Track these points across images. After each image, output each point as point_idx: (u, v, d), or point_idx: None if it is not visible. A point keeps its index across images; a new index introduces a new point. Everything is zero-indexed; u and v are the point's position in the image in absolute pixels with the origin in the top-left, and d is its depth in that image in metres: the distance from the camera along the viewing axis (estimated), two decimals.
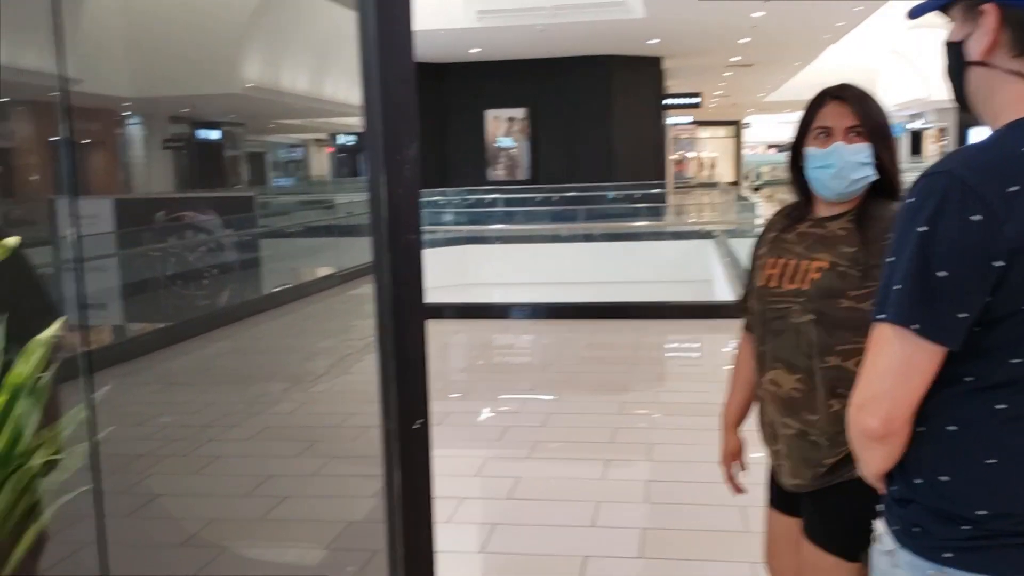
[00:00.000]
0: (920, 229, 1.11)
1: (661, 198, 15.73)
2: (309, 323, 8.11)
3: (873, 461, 1.24)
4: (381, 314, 2.30)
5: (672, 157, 22.41)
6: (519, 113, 15.22)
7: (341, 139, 33.49)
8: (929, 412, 1.19)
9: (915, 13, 1.28)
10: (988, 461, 1.16)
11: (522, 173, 15.48)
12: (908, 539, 1.22)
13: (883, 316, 1.15)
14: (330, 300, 9.07)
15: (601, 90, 14.98)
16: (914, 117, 37.34)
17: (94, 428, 1.52)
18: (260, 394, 5.16)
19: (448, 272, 9.95)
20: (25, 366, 1.49)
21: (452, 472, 4.22)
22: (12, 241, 1.37)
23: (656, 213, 14.65)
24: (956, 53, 1.22)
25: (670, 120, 20.80)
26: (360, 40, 2.17)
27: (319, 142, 33.12)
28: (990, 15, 1.15)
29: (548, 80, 14.77)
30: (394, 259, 2.26)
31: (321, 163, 34.68)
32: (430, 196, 13.76)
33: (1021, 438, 1.15)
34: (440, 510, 3.53)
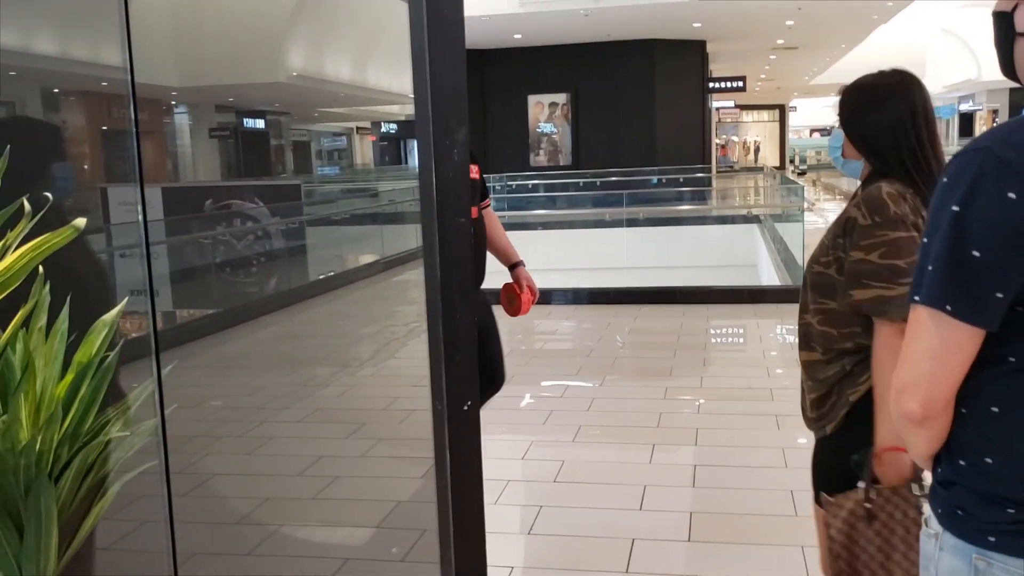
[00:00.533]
0: (954, 208, 1.09)
1: (705, 182, 15.60)
2: (355, 309, 8.19)
3: (918, 444, 1.23)
4: (431, 297, 2.33)
5: (716, 141, 22.18)
6: (561, 98, 15.18)
7: (384, 127, 33.67)
8: (972, 393, 1.18)
9: None
10: None
11: (564, 158, 15.45)
12: (952, 522, 1.21)
13: (917, 298, 1.14)
14: (375, 287, 9.15)
15: (644, 74, 14.88)
16: (964, 99, 36.54)
17: (162, 406, 1.56)
18: (309, 377, 5.24)
19: (490, 258, 9.94)
20: (90, 346, 1.53)
21: (498, 455, 4.25)
22: (80, 222, 1.41)
23: (700, 197, 14.53)
24: (1005, 23, 1.19)
25: (714, 104, 20.60)
26: (411, 26, 2.19)
27: (362, 130, 33.35)
28: None
29: (591, 65, 14.71)
30: (444, 242, 2.28)
31: (364, 151, 34.92)
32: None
33: None
34: (487, 492, 3.57)
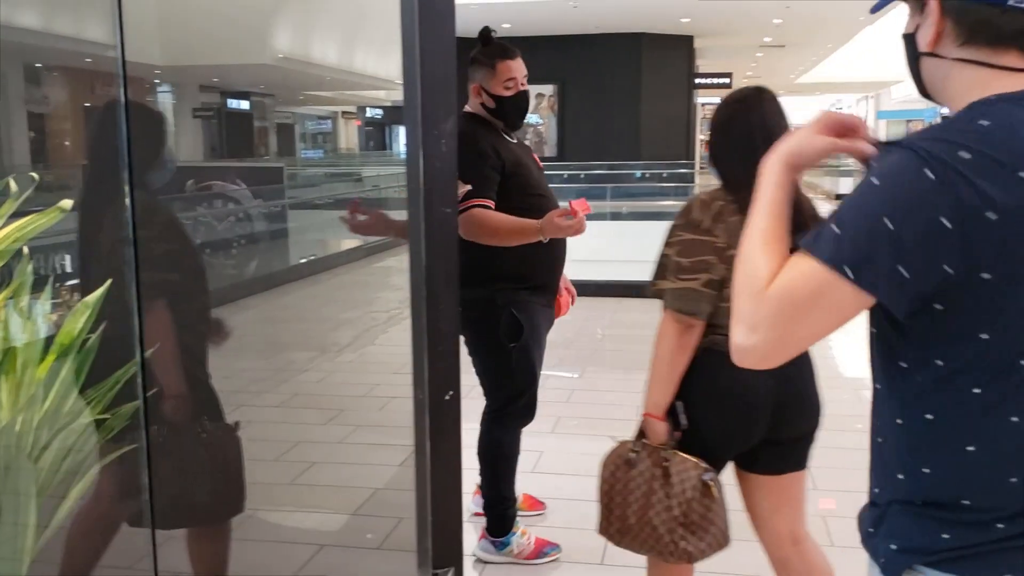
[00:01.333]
0: (873, 180, 1.10)
1: (689, 178, 15.63)
2: (336, 294, 8.17)
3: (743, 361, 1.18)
4: (415, 286, 2.33)
5: (701, 137, 22.25)
6: (548, 89, 15.16)
7: (369, 112, 33.46)
8: (905, 402, 1.18)
9: (875, 8, 1.32)
10: (968, 448, 1.14)
11: (550, 150, 15.43)
12: (893, 563, 1.21)
13: (809, 248, 1.11)
14: (357, 272, 9.12)
15: (631, 68, 14.87)
16: None
17: (144, 389, 1.55)
18: (288, 362, 5.23)
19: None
20: (72, 327, 1.53)
21: (476, 444, 4.26)
22: (66, 204, 1.41)
23: (684, 193, 14.56)
24: (911, 45, 1.24)
25: (700, 99, 20.62)
26: (402, 12, 2.19)
27: (347, 115, 33.14)
28: (933, 6, 1.17)
29: (578, 57, 14.68)
30: (429, 231, 2.28)
31: (349, 135, 34.70)
32: None
33: (998, 424, 1.13)
34: (465, 481, 3.57)
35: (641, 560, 2.40)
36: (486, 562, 3.14)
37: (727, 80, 19.23)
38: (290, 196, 11.54)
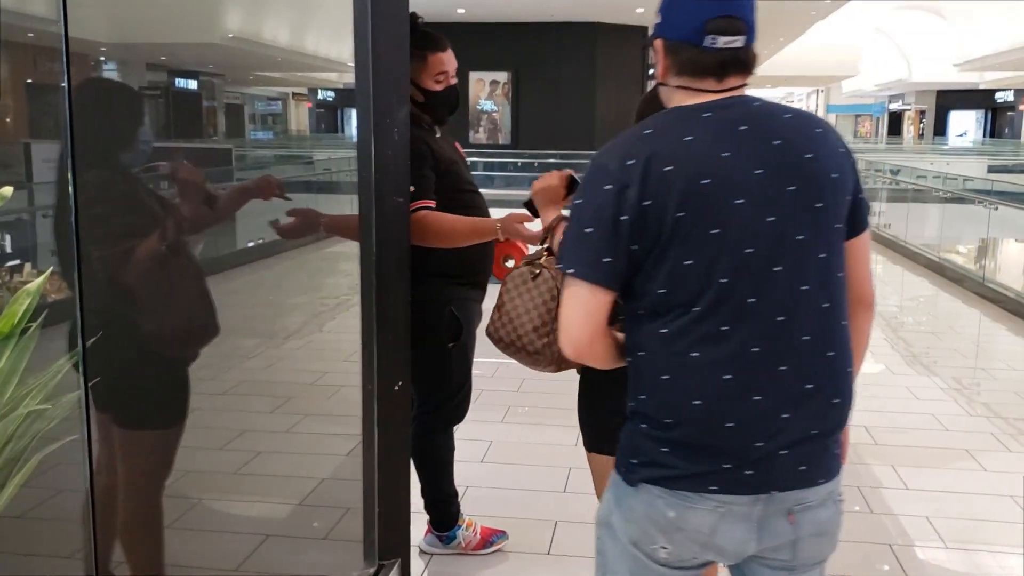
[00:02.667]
0: (577, 201, 1.52)
1: None
2: (284, 279, 8.07)
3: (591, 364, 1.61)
4: (365, 276, 2.31)
5: None
6: (502, 76, 15.11)
7: (321, 94, 33.08)
8: (631, 342, 1.55)
9: (646, 43, 1.73)
10: (663, 377, 1.48)
11: (504, 137, 15.40)
12: (627, 476, 1.55)
13: (559, 265, 1.53)
14: (305, 257, 9.01)
15: (585, 57, 14.89)
16: (895, 98, 37.46)
17: (86, 378, 1.52)
18: (234, 348, 5.15)
19: None
20: (12, 316, 1.49)
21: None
22: (7, 191, 1.37)
23: None
24: (653, 76, 1.63)
25: None
26: (355, 3, 2.16)
27: (298, 96, 32.73)
28: (659, 47, 1.57)
29: (533, 44, 14.66)
30: (380, 220, 2.27)
31: (300, 117, 34.28)
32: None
33: (681, 357, 1.46)
34: (413, 472, 3.56)
35: (588, 549, 2.41)
36: (431, 553, 3.14)
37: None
38: (239, 178, 11.35)
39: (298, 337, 5.99)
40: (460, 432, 4.32)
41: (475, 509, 3.42)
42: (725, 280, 1.43)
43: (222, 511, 3.16)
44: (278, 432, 3.92)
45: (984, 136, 33.66)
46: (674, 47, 1.53)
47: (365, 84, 2.18)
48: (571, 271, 1.48)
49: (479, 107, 15.46)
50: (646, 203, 1.43)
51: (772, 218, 1.44)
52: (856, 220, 1.55)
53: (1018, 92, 31.02)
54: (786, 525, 1.50)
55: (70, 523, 1.90)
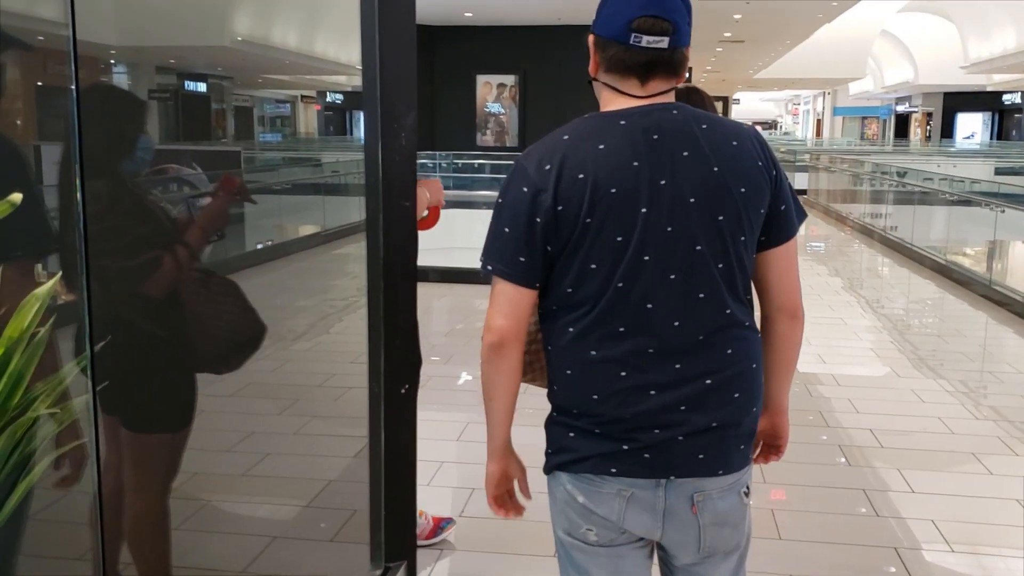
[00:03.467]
0: (498, 200, 1.56)
1: None
2: (292, 281, 8.09)
3: (491, 372, 1.65)
4: (372, 280, 2.32)
5: None
6: (509, 79, 15.12)
7: (329, 97, 33.10)
8: (543, 337, 1.63)
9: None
10: (567, 372, 1.56)
11: (511, 140, 15.40)
12: (547, 465, 1.65)
13: (482, 261, 1.58)
14: (314, 259, 9.05)
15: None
16: (901, 100, 37.35)
17: (94, 383, 1.53)
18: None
19: (434, 235, 9.91)
20: (22, 319, 1.50)
21: (433, 436, 4.26)
22: (16, 197, 1.38)
23: None
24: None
25: None
26: (362, 5, 2.17)
27: (307, 99, 32.75)
28: (590, 43, 1.63)
29: (539, 47, 14.67)
30: (388, 224, 2.28)
31: (309, 120, 34.30)
32: (419, 159, 13.71)
33: (583, 353, 1.53)
34: (421, 473, 3.57)
35: (536, 548, 2.42)
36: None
37: (687, 75, 19.32)
38: (247, 180, 11.38)
39: (306, 339, 6.00)
40: (467, 434, 4.33)
41: (482, 510, 3.42)
42: (621, 284, 1.50)
43: (230, 512, 3.18)
44: (286, 434, 3.94)
45: (991, 138, 33.54)
46: (603, 43, 1.59)
47: (372, 88, 2.20)
48: (488, 268, 1.55)
49: (486, 109, 15.48)
50: (559, 208, 1.49)
51: (670, 228, 1.49)
52: (776, 231, 1.59)
53: None
54: (689, 515, 1.55)
55: (79, 525, 1.91)
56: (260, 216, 10.59)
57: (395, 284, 2.32)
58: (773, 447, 1.86)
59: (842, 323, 7.25)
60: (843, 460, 4.16)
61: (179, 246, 2.07)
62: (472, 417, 4.50)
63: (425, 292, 7.67)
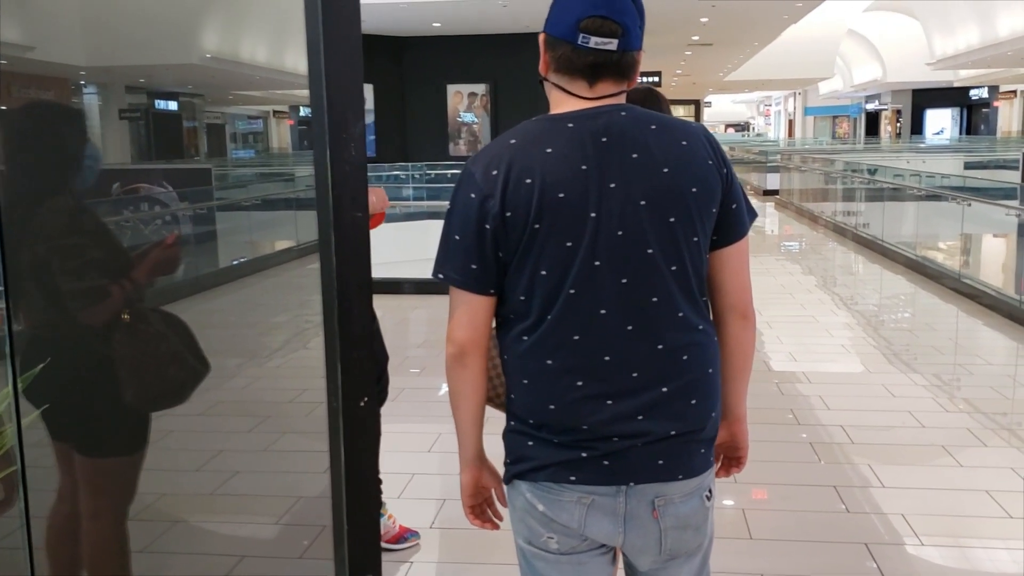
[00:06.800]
0: (448, 207, 1.54)
1: None
2: (265, 297, 8.05)
3: (457, 381, 1.65)
4: (327, 293, 2.31)
5: None
6: (480, 88, 15.15)
7: (303, 111, 33.00)
8: (500, 346, 1.60)
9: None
10: (523, 381, 1.54)
11: None
12: (506, 475, 1.62)
13: (434, 269, 1.57)
14: (287, 274, 8.99)
15: None
16: (871, 98, 37.71)
17: (18, 412, 1.51)
18: (215, 368, 5.13)
19: (408, 247, 9.92)
20: None
21: (406, 448, 4.25)
22: None
23: None
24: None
25: None
26: (306, 14, 2.16)
27: (280, 114, 32.65)
28: (540, 41, 1.59)
29: (510, 56, 14.70)
30: (339, 237, 2.26)
31: (282, 135, 34.18)
32: (390, 171, 13.69)
33: (539, 363, 1.52)
34: (393, 485, 3.56)
35: (505, 558, 2.41)
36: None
37: (656, 79, 19.45)
38: (219, 197, 11.31)
39: (279, 355, 5.98)
40: (440, 444, 4.31)
41: (451, 522, 3.41)
42: (573, 291, 1.47)
43: (200, 531, 3.15)
44: (256, 451, 3.91)
45: (960, 133, 33.92)
46: (552, 42, 1.56)
47: (319, 99, 2.19)
48: (440, 276, 1.54)
49: (459, 119, 15.50)
50: (507, 214, 1.47)
51: (621, 232, 1.47)
52: (728, 231, 1.57)
53: (991, 89, 31.29)
54: (650, 519, 1.54)
55: (15, 550, 1.89)
56: (233, 233, 10.54)
57: (350, 296, 2.31)
58: (733, 459, 1.80)
59: (814, 320, 7.30)
60: (814, 457, 4.17)
61: (123, 278, 2.04)
62: (445, 428, 4.49)
63: (400, 304, 7.69)
